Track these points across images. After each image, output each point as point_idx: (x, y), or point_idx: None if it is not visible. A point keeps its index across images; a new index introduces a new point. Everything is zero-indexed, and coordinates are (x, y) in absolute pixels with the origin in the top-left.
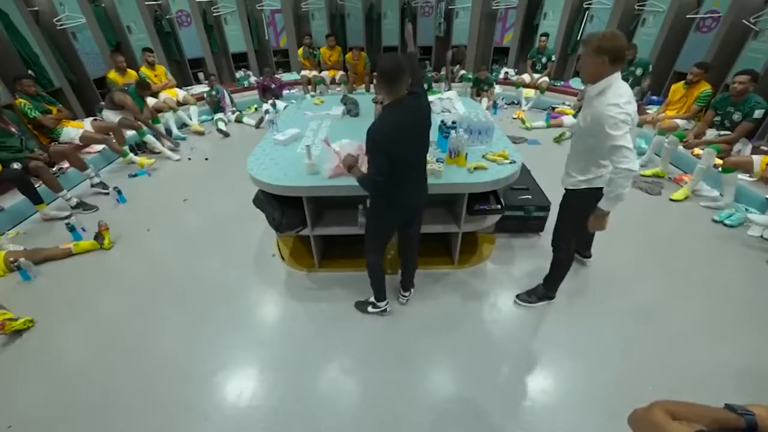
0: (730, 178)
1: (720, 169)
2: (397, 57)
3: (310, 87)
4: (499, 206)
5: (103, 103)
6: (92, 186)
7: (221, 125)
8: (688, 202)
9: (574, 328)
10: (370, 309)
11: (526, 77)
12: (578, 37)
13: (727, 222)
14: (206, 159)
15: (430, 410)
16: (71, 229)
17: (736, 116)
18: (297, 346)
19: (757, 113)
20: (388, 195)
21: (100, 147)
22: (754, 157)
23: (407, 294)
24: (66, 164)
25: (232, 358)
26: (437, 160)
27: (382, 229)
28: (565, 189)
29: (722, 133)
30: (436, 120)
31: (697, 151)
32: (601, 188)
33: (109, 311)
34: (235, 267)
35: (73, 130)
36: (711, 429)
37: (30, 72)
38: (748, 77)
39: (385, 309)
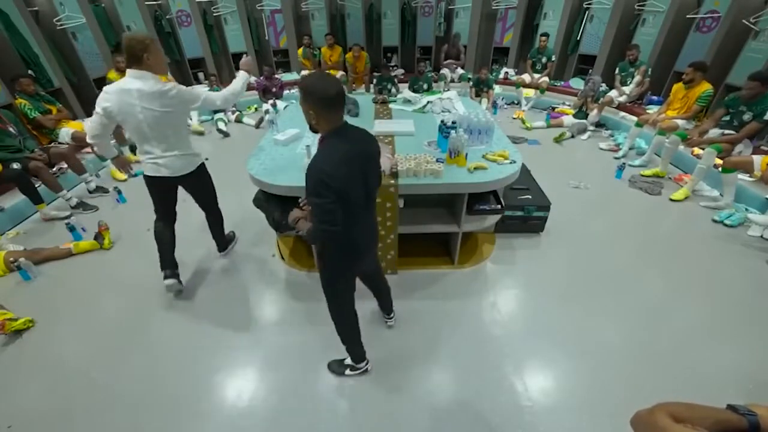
0: (730, 178)
1: (720, 169)
2: (330, 76)
3: None
4: (499, 206)
5: None
6: (89, 192)
7: (221, 125)
8: (688, 202)
9: (574, 328)
10: (348, 372)
11: (526, 77)
12: (578, 37)
13: (727, 222)
14: (206, 159)
15: (430, 410)
16: (71, 229)
17: (747, 116)
18: (297, 346)
19: None
20: (341, 244)
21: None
22: (755, 157)
23: (389, 317)
24: (66, 164)
25: (232, 357)
26: (437, 160)
27: (342, 285)
28: None
29: (727, 132)
30: (434, 121)
31: (696, 150)
32: None
33: (109, 311)
34: (235, 267)
35: (71, 131)
36: (713, 431)
37: (30, 72)
38: (758, 83)
39: (366, 369)
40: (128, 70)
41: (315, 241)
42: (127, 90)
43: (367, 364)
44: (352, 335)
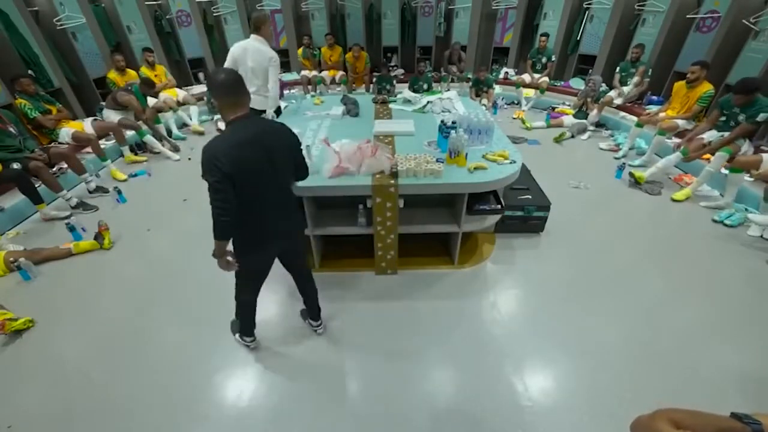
0: (737, 179)
1: (728, 169)
2: (237, 74)
3: (310, 87)
4: (499, 206)
5: (103, 103)
6: (90, 192)
7: (221, 125)
8: (687, 202)
9: (574, 328)
10: (237, 337)
11: (526, 77)
12: (578, 37)
13: (727, 222)
14: None
15: (431, 410)
16: (71, 229)
17: (741, 117)
18: (296, 345)
19: (761, 117)
20: (245, 231)
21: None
22: (765, 156)
23: (317, 323)
24: (66, 164)
25: (232, 357)
26: (437, 160)
27: (250, 271)
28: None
29: (725, 134)
30: (434, 121)
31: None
32: None
33: (109, 311)
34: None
35: (71, 131)
36: None
37: (30, 72)
38: (742, 95)
39: (250, 346)
40: (251, 35)
41: (214, 224)
42: (245, 47)
43: (252, 342)
44: (243, 313)
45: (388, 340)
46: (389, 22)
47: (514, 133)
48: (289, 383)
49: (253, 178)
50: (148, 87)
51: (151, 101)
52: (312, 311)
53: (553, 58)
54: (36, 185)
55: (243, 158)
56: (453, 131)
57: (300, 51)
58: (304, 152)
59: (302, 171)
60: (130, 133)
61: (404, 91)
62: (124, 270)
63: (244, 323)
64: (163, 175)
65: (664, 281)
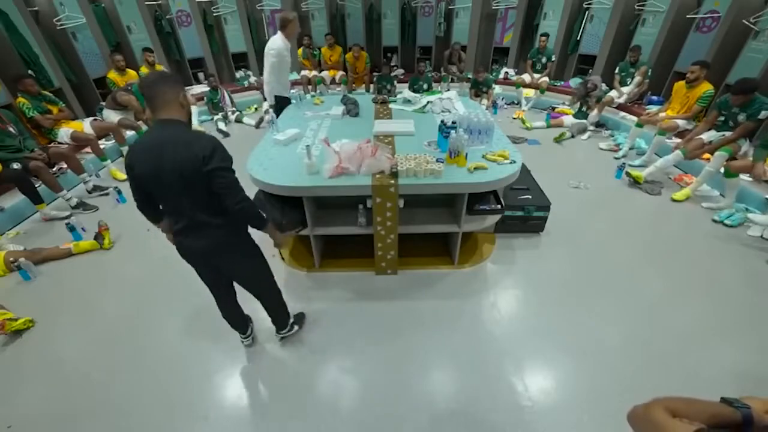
0: (734, 182)
1: (723, 173)
2: (162, 75)
3: (310, 87)
4: (499, 206)
5: (103, 103)
6: (88, 192)
7: (221, 125)
8: (687, 202)
9: (574, 328)
10: None
11: (526, 77)
12: (578, 38)
13: (727, 222)
14: None
15: (431, 410)
16: (71, 229)
17: (741, 117)
18: (296, 346)
19: (763, 114)
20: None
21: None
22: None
23: (282, 332)
24: (66, 164)
25: (231, 357)
26: (437, 160)
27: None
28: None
29: (725, 134)
30: (434, 121)
31: (706, 155)
32: None
33: (109, 311)
34: None
35: (70, 131)
36: (709, 425)
37: (30, 72)
38: (741, 96)
39: (243, 343)
40: (278, 32)
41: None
42: (270, 43)
43: (242, 339)
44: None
45: (388, 340)
46: (389, 22)
47: (514, 133)
48: (289, 383)
49: (147, 182)
50: None
51: None
52: (273, 321)
53: (553, 58)
54: (36, 185)
55: (136, 162)
56: (453, 131)
57: (300, 51)
58: (304, 151)
59: (224, 196)
60: (130, 133)
61: (404, 91)
62: (124, 270)
63: (222, 315)
64: None
65: (664, 281)
